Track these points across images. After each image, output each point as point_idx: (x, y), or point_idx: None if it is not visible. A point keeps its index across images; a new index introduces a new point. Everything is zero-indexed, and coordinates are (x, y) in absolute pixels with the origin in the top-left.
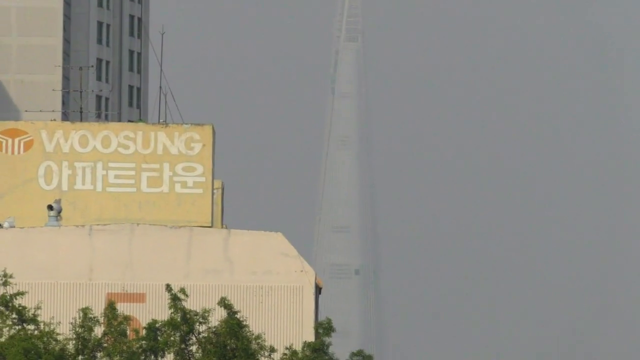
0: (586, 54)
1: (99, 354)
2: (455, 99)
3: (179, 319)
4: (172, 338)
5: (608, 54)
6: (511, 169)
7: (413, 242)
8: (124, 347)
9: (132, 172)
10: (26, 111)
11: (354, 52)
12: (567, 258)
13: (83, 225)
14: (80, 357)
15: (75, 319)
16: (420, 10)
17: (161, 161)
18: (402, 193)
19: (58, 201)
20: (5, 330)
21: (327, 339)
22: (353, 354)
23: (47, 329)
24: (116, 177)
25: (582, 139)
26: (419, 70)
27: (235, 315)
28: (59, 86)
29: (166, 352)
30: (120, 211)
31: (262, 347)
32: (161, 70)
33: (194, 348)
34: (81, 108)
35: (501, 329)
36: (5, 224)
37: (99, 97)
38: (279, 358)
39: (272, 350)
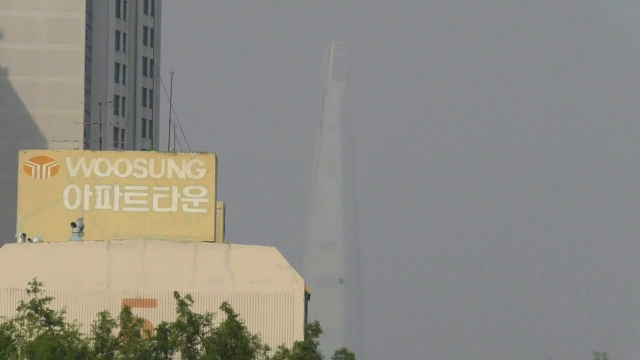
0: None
1: (115, 352)
2: (429, 126)
3: (185, 322)
4: (179, 338)
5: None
6: (492, 188)
7: (391, 256)
8: (138, 346)
9: (145, 194)
10: (52, 141)
11: (340, 90)
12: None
13: (102, 241)
14: (99, 354)
15: (95, 321)
16: (400, 53)
17: (170, 184)
18: (383, 212)
19: (80, 219)
20: (34, 330)
21: (315, 339)
22: (337, 352)
23: (71, 330)
24: (131, 198)
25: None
26: (398, 104)
27: (235, 318)
28: (81, 119)
29: (174, 350)
30: (135, 228)
31: (258, 346)
32: (170, 105)
33: (198, 347)
34: (100, 138)
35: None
36: (35, 239)
37: (116, 129)
38: (272, 355)
39: (267, 348)
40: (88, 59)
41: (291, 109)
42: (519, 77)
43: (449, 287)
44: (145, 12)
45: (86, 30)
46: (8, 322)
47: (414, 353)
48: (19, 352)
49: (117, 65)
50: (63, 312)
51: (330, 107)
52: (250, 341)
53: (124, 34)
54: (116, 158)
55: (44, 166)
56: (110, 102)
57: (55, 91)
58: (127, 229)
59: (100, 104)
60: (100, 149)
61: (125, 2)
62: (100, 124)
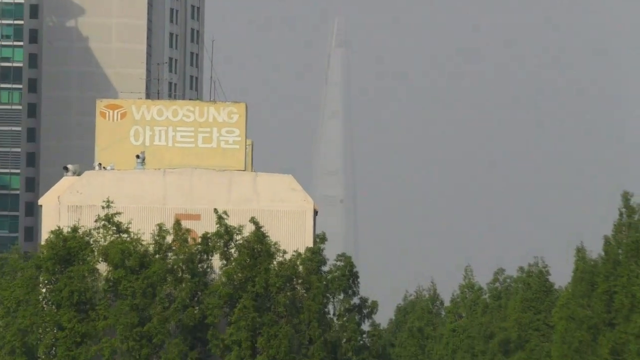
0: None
1: (169, 254)
2: (426, 151)
3: (222, 231)
4: (218, 244)
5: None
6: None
7: (384, 177)
8: (186, 250)
9: (192, 134)
10: (122, 92)
11: (340, 55)
12: None
13: (159, 169)
14: (157, 256)
15: (153, 230)
16: (389, 26)
17: (211, 126)
18: (375, 149)
19: (143, 153)
20: (107, 237)
21: (321, 246)
22: (338, 256)
23: (135, 237)
24: (181, 136)
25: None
26: (389, 63)
27: (260, 229)
28: (144, 76)
29: (214, 253)
30: (184, 159)
31: (277, 250)
32: (212, 65)
33: (232, 251)
34: (158, 91)
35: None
36: (109, 168)
37: (170, 84)
38: (289, 258)
39: (285, 252)
40: (149, 30)
41: (304, 68)
42: None
43: (434, 201)
44: None
45: (147, 7)
46: (88, 231)
47: (398, 255)
48: (95, 253)
49: (171, 34)
50: (129, 223)
51: (333, 67)
52: (272, 246)
53: (177, 10)
54: (170, 106)
55: (115, 112)
56: (166, 63)
57: (124, 55)
58: (178, 160)
59: (158, 64)
60: (158, 98)
61: None
62: (158, 80)
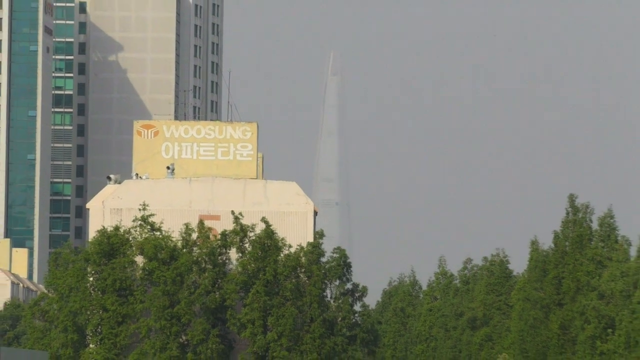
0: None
1: (194, 249)
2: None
3: (238, 229)
4: (234, 240)
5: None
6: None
7: (373, 184)
8: (208, 245)
9: (212, 148)
10: (154, 115)
11: (335, 82)
12: None
13: (186, 178)
14: (184, 250)
15: (181, 229)
16: (377, 57)
17: (229, 142)
18: (366, 160)
19: (172, 165)
20: (143, 235)
21: (320, 240)
22: (334, 249)
23: (166, 234)
24: (204, 151)
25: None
26: (378, 88)
27: (270, 227)
28: (173, 101)
29: (231, 247)
30: (206, 170)
31: (284, 244)
32: (229, 92)
33: (247, 245)
34: (185, 113)
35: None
36: (144, 177)
37: (194, 107)
38: (294, 251)
39: (290, 246)
40: (177, 63)
41: (305, 93)
42: None
43: (415, 204)
44: (213, 32)
45: (175, 44)
46: (127, 229)
47: (384, 248)
48: (133, 248)
49: (195, 66)
50: (161, 223)
51: (329, 93)
52: (279, 241)
53: (199, 47)
54: (194, 126)
55: (149, 131)
56: (191, 90)
57: (156, 83)
58: (201, 170)
59: (184, 91)
60: (185, 119)
61: (199, 27)
62: (184, 104)
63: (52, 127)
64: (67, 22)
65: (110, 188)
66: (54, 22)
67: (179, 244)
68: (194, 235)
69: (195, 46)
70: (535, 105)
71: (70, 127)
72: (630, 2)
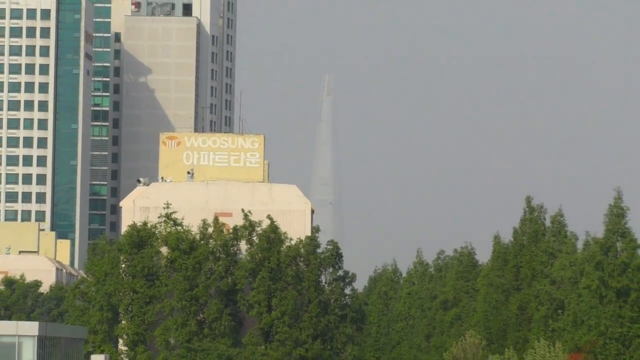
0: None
1: (210, 241)
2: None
3: (247, 224)
4: (244, 233)
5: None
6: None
7: (361, 186)
8: (222, 238)
9: (226, 157)
10: (177, 128)
11: (330, 102)
12: None
13: (203, 181)
14: (202, 242)
15: (199, 224)
16: (367, 76)
17: (240, 151)
18: (357, 166)
19: (192, 170)
20: (167, 229)
21: (316, 234)
22: (328, 242)
23: (186, 229)
24: (219, 159)
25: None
26: (371, 109)
27: (274, 223)
28: (193, 116)
29: (241, 240)
30: (221, 175)
31: (286, 238)
32: (240, 109)
33: (255, 238)
34: (203, 127)
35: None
36: (168, 180)
37: (211, 121)
38: (294, 243)
39: (291, 239)
40: (196, 84)
41: (305, 109)
42: None
43: (397, 203)
44: (227, 59)
45: (195, 69)
46: (154, 224)
47: (370, 241)
48: (159, 240)
49: (211, 87)
50: (182, 219)
51: (324, 110)
52: (282, 235)
53: (215, 71)
54: (211, 137)
55: (173, 141)
56: (208, 107)
57: (179, 101)
58: (217, 175)
59: (202, 108)
60: (203, 132)
61: (216, 54)
62: (202, 119)
63: (91, 138)
64: (105, 49)
65: (139, 189)
66: (94, 49)
67: (197, 236)
68: (210, 230)
69: (212, 70)
70: (506, 121)
71: (106, 138)
72: None
